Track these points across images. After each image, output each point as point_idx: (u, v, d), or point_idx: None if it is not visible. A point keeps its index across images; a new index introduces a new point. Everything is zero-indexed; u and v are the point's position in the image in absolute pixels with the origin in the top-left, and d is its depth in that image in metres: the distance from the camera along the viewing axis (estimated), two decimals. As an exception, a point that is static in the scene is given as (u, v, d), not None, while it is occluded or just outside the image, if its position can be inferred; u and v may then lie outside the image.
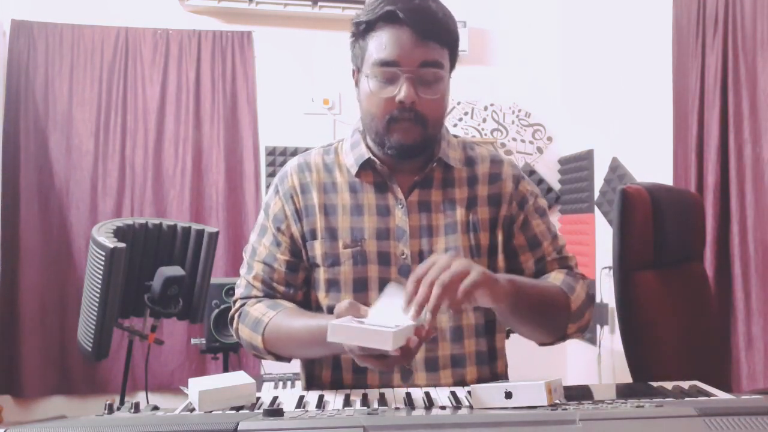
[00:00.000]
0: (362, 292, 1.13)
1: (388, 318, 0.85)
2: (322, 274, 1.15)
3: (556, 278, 1.15)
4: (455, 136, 1.25)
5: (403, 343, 0.82)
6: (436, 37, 1.07)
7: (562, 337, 1.15)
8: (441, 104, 1.11)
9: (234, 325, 1.19)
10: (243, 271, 1.22)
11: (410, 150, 1.10)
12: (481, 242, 1.16)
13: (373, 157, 1.15)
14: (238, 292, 1.21)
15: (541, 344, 1.19)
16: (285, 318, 1.10)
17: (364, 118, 1.14)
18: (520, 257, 1.19)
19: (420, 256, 1.13)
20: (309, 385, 1.19)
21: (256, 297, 1.18)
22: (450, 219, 1.15)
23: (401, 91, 1.05)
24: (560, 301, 1.11)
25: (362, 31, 1.10)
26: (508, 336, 1.41)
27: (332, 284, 1.14)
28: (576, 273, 1.20)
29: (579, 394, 0.91)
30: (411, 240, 1.14)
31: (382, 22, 1.07)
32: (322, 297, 1.16)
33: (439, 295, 0.86)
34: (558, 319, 1.12)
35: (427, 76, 1.06)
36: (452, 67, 1.14)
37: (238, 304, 1.20)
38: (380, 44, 1.06)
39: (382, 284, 1.11)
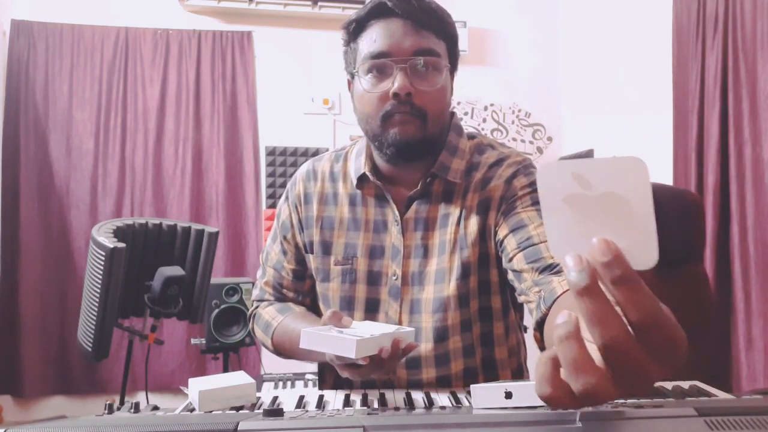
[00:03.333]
0: (348, 310, 1.10)
1: (367, 330, 0.82)
2: (317, 287, 1.16)
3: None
4: (472, 138, 1.12)
5: (370, 353, 0.79)
6: (429, 26, 0.98)
7: None
8: (441, 97, 1.00)
9: (250, 326, 1.23)
10: (258, 273, 1.24)
11: (409, 148, 0.99)
12: (470, 260, 1.04)
13: (368, 172, 1.07)
14: (254, 293, 1.24)
15: None
16: (291, 322, 1.11)
17: (361, 122, 1.04)
18: (506, 246, 0.99)
19: (411, 277, 1.06)
20: (321, 387, 1.20)
21: (268, 300, 1.21)
22: (441, 238, 1.05)
23: (395, 82, 0.96)
24: None
25: (353, 31, 1.04)
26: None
27: (324, 298, 1.14)
28: None
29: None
30: (404, 260, 1.06)
31: (373, 18, 1.00)
32: (321, 307, 1.17)
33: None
34: None
35: (422, 65, 0.97)
36: (454, 66, 1.05)
37: (253, 306, 1.23)
38: (371, 39, 0.99)
39: (370, 304, 1.09)
